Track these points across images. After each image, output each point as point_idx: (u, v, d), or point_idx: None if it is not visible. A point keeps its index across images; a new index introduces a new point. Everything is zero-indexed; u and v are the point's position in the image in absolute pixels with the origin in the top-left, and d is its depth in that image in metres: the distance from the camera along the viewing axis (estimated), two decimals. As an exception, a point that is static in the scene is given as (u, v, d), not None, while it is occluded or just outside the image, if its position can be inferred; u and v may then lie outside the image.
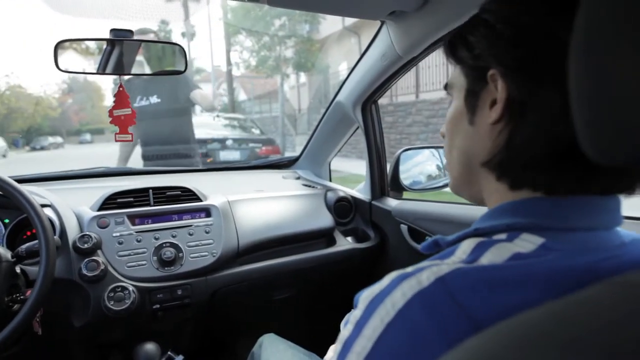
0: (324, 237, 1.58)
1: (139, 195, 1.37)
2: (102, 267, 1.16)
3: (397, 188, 1.60)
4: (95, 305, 1.15)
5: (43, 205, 1.19)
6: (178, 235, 1.30)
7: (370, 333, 0.39)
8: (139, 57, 1.45)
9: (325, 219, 1.58)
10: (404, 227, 1.47)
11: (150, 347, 1.26)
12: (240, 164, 2.08)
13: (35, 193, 1.25)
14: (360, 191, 1.74)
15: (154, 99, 2.74)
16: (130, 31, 1.20)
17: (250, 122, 9.90)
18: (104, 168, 1.79)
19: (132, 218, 1.30)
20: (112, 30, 1.19)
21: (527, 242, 0.42)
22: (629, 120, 0.30)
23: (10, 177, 1.04)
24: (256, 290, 1.43)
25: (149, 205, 1.35)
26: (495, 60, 0.48)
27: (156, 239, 1.28)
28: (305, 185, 1.78)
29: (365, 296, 0.42)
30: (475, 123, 0.52)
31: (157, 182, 1.45)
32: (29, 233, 1.27)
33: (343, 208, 1.66)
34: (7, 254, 1.00)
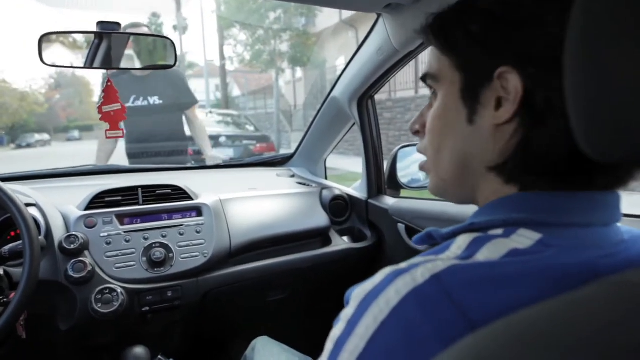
0: (319, 236, 1.55)
1: (127, 194, 1.33)
2: (89, 268, 1.13)
3: (394, 186, 1.57)
4: (82, 308, 1.11)
5: (28, 205, 1.15)
6: (168, 235, 1.27)
7: (364, 332, 0.37)
8: (129, 51, 1.41)
9: (320, 218, 1.55)
10: (401, 226, 1.44)
11: (139, 350, 1.23)
12: (234, 162, 2.04)
13: (20, 192, 1.21)
14: (356, 189, 1.71)
15: (155, 100, 2.66)
16: (118, 24, 1.16)
17: (245, 118, 9.88)
18: (91, 166, 1.75)
19: (121, 217, 1.26)
20: (99, 23, 1.15)
21: (524, 238, 0.41)
22: (627, 118, 0.29)
23: None
24: (249, 292, 1.40)
25: (138, 204, 1.32)
26: (512, 58, 0.44)
27: (145, 239, 1.24)
28: (300, 184, 1.74)
29: (357, 293, 0.41)
30: (476, 123, 0.48)
31: (146, 180, 1.42)
32: (13, 233, 1.23)
33: (339, 207, 1.63)
34: None
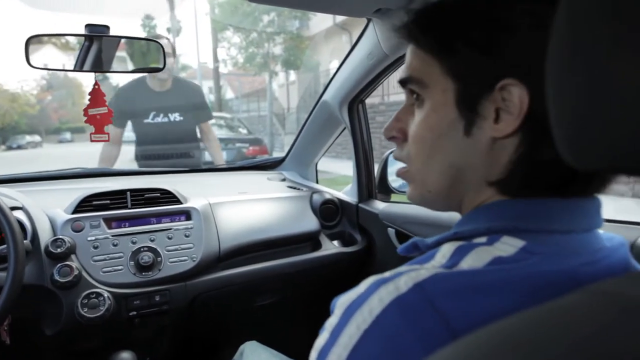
0: (309, 240, 1.54)
1: (116, 198, 1.32)
2: (76, 272, 1.11)
3: (385, 190, 1.57)
4: (68, 313, 1.10)
5: (14, 208, 1.14)
6: (156, 239, 1.26)
7: (347, 341, 0.37)
8: (122, 54, 1.40)
9: (310, 222, 1.54)
10: (391, 231, 1.43)
11: (126, 355, 1.22)
12: (224, 165, 2.03)
13: (6, 195, 1.19)
14: (347, 193, 1.70)
15: (176, 117, 2.63)
16: (107, 26, 1.15)
17: (238, 121, 9.87)
18: (80, 169, 1.73)
19: (109, 221, 1.25)
20: (88, 26, 1.14)
21: (507, 246, 0.40)
22: (609, 126, 0.29)
23: None
24: (238, 296, 1.39)
25: (126, 207, 1.30)
26: (518, 69, 0.42)
27: (133, 243, 1.23)
28: (291, 187, 1.73)
29: (341, 302, 0.40)
30: (474, 135, 0.46)
31: (135, 183, 1.40)
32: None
33: (329, 211, 1.62)
34: None
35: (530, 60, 0.41)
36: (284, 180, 1.84)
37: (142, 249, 1.22)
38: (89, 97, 1.14)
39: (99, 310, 1.10)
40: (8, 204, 1.00)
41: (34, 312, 1.14)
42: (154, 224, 1.29)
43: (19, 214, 1.15)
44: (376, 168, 1.60)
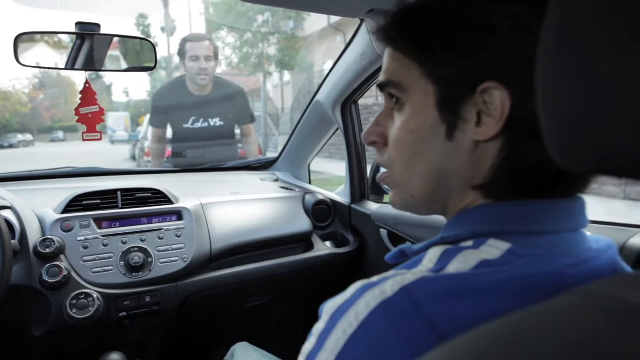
0: (302, 241, 1.54)
1: (106, 197, 1.31)
2: (65, 272, 1.10)
3: (377, 191, 1.57)
4: (57, 314, 1.09)
5: (2, 207, 1.13)
6: (147, 239, 1.25)
7: (333, 346, 0.37)
8: (115, 53, 1.39)
9: (302, 223, 1.54)
10: (383, 232, 1.43)
11: (116, 357, 1.21)
12: (217, 165, 2.02)
13: None
14: (339, 194, 1.70)
15: (217, 122, 2.56)
16: (98, 25, 1.14)
17: (232, 120, 9.78)
18: (71, 168, 1.71)
19: (99, 221, 1.24)
20: (78, 24, 1.14)
21: (494, 249, 0.40)
22: (598, 126, 0.29)
23: None
24: (229, 297, 1.38)
25: (117, 207, 1.29)
26: (499, 72, 0.42)
27: (124, 243, 1.22)
28: (283, 188, 1.73)
29: (328, 307, 0.40)
30: (456, 139, 0.45)
31: (126, 183, 1.39)
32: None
33: (321, 211, 1.62)
34: None
35: (512, 63, 0.41)
36: (276, 180, 1.83)
37: (132, 249, 1.21)
38: (80, 96, 1.13)
39: (88, 311, 1.09)
40: (-4, 203, 0.99)
41: (22, 313, 1.13)
42: (144, 224, 1.28)
43: (7, 214, 1.13)
44: (369, 169, 1.60)
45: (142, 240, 1.24)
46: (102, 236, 1.21)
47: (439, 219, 1.21)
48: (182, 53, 2.55)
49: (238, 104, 2.65)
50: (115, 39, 1.22)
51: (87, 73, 1.19)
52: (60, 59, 1.24)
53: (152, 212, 1.31)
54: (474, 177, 0.46)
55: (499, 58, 0.42)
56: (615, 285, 0.30)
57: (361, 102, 1.57)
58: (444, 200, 0.50)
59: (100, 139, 1.19)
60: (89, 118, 1.12)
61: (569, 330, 0.26)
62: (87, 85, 1.11)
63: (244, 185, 1.73)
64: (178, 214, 1.33)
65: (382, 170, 0.56)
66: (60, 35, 1.29)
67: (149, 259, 1.22)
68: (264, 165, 2.02)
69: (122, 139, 20.82)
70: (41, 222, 1.20)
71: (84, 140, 1.13)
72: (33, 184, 1.52)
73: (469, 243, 0.43)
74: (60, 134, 25.47)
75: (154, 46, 1.17)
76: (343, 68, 1.40)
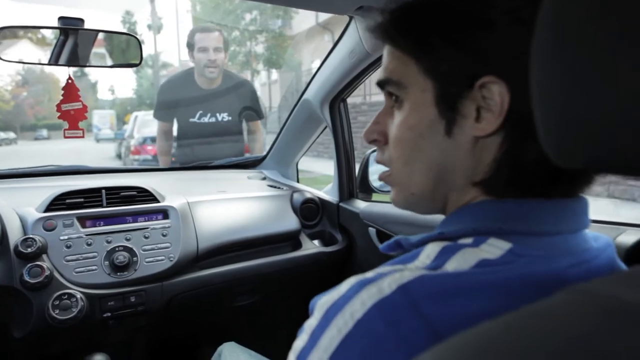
0: (290, 240, 1.53)
1: (90, 196, 1.28)
2: (47, 272, 1.08)
3: (366, 190, 1.56)
4: (38, 315, 1.06)
5: None
6: (132, 238, 1.23)
7: (327, 344, 0.36)
8: (100, 50, 1.37)
9: (290, 222, 1.53)
10: (372, 230, 1.43)
11: (99, 358, 1.19)
12: (204, 163, 2.00)
13: None
14: (328, 193, 1.69)
15: (224, 117, 2.49)
16: (81, 19, 1.12)
17: (219, 118, 9.73)
18: (54, 166, 1.68)
19: (82, 220, 1.21)
20: (61, 19, 1.11)
21: (494, 248, 0.39)
22: (594, 122, 0.29)
23: None
24: (216, 297, 1.36)
25: (101, 206, 1.27)
26: (496, 66, 0.42)
27: (108, 242, 1.20)
28: (271, 186, 1.72)
29: (322, 303, 0.39)
30: (455, 135, 0.45)
31: (111, 181, 1.37)
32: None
33: (309, 210, 1.61)
34: None
35: (510, 57, 0.41)
36: (264, 179, 1.82)
37: (117, 249, 1.19)
38: (62, 92, 1.10)
39: (71, 312, 1.07)
40: (-25, 202, 0.97)
41: (2, 314, 1.10)
42: (129, 222, 1.26)
43: None
44: (357, 167, 1.60)
45: (127, 240, 1.22)
46: (86, 235, 1.19)
47: (430, 217, 1.22)
48: (190, 45, 2.49)
49: (247, 99, 2.59)
50: (101, 36, 1.20)
51: (71, 69, 1.16)
52: (43, 55, 1.22)
53: (138, 210, 1.28)
54: (474, 173, 0.45)
55: (497, 52, 0.42)
56: (612, 283, 0.30)
57: (349, 100, 1.56)
58: (445, 198, 0.49)
59: (83, 137, 1.17)
60: (71, 115, 1.09)
61: (566, 328, 0.25)
62: (70, 81, 1.09)
63: (231, 183, 1.72)
64: (164, 213, 1.31)
65: (383, 168, 0.56)
66: (44, 32, 1.27)
67: (134, 258, 1.20)
68: (251, 164, 2.01)
69: (107, 137, 20.57)
70: (22, 221, 1.17)
71: (65, 137, 1.10)
72: (14, 182, 1.49)
73: (468, 240, 0.41)
74: (44, 132, 25.13)
75: (139, 42, 1.15)
76: (331, 66, 1.39)
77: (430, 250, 0.41)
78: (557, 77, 0.31)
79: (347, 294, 0.37)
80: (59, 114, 1.08)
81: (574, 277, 0.37)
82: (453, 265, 0.38)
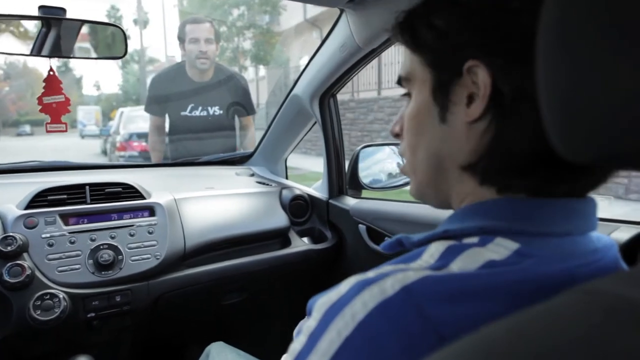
0: (279, 237, 1.51)
1: (74, 192, 1.25)
2: (28, 272, 1.04)
3: (355, 186, 1.55)
4: (19, 315, 1.03)
5: None
6: (117, 236, 1.19)
7: (326, 347, 0.35)
8: (85, 45, 1.33)
9: (279, 219, 1.51)
10: (362, 227, 1.41)
11: (83, 360, 1.15)
12: (191, 160, 1.97)
13: None
14: (317, 189, 1.67)
15: (216, 110, 2.46)
16: (63, 9, 1.08)
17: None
18: (37, 162, 1.63)
19: (65, 217, 1.18)
20: (41, 8, 1.07)
21: (501, 248, 0.38)
22: (605, 116, 0.29)
23: None
24: (204, 295, 1.34)
25: (85, 203, 1.23)
26: (478, 49, 0.42)
27: (92, 240, 1.16)
28: (260, 183, 1.69)
29: (321, 304, 0.38)
30: (448, 121, 0.46)
31: (95, 178, 1.33)
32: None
33: (299, 207, 1.59)
34: None
35: (491, 41, 0.42)
36: (252, 175, 1.79)
37: (101, 247, 1.16)
38: (43, 84, 1.07)
39: (53, 313, 1.04)
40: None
41: None
42: (115, 220, 1.23)
43: None
44: (347, 164, 1.58)
45: (112, 237, 1.19)
46: (69, 233, 1.15)
47: (421, 213, 1.21)
48: (181, 36, 2.46)
49: (239, 93, 2.56)
50: (85, 30, 1.17)
51: (53, 61, 1.13)
52: (25, 47, 1.18)
53: (123, 207, 1.25)
54: (467, 158, 0.45)
55: (478, 36, 0.43)
56: (616, 282, 0.29)
57: (337, 97, 1.54)
58: (446, 187, 0.50)
59: (66, 130, 1.13)
60: (53, 108, 1.06)
61: (570, 329, 0.25)
62: (52, 73, 1.05)
63: (219, 180, 1.69)
64: (150, 210, 1.28)
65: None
66: (27, 25, 1.22)
67: (119, 257, 1.17)
68: (239, 160, 1.98)
69: (92, 133, 20.29)
70: (2, 218, 1.13)
71: (47, 131, 1.07)
72: None
73: (474, 240, 0.40)
74: (27, 128, 24.78)
75: (124, 33, 1.11)
76: (322, 60, 1.37)
77: (435, 250, 0.41)
78: (567, 63, 0.30)
79: (348, 295, 0.36)
80: (40, 107, 1.04)
81: (582, 278, 0.36)
82: (458, 265, 0.37)
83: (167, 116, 2.51)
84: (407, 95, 0.53)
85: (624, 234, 0.82)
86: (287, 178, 1.87)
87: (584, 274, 0.37)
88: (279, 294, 1.60)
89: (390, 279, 0.35)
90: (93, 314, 1.12)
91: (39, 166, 1.61)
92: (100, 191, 1.28)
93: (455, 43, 0.44)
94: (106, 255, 1.14)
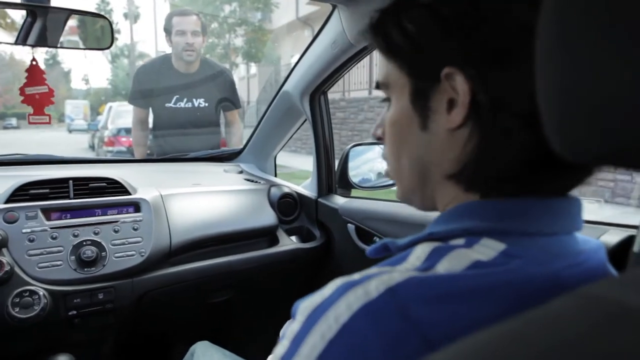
0: (266, 235, 1.49)
1: (56, 187, 1.21)
2: (7, 268, 1.02)
3: (345, 185, 1.53)
4: None
5: None
6: (101, 232, 1.17)
7: (309, 351, 0.34)
8: (74, 38, 1.30)
9: (267, 217, 1.49)
10: (351, 227, 1.40)
11: (64, 359, 1.12)
12: (178, 155, 1.95)
13: None
14: (306, 188, 1.66)
15: (201, 103, 2.43)
16: (48, -3, 1.05)
17: (196, 111, 9.63)
18: (20, 155, 1.59)
19: (47, 212, 1.15)
20: (25, -5, 1.04)
21: (487, 249, 0.38)
22: (607, 114, 0.28)
23: None
24: (190, 294, 1.32)
25: (68, 197, 1.21)
26: (454, 55, 0.41)
27: (75, 236, 1.14)
28: (248, 180, 1.67)
29: (304, 306, 0.37)
30: (430, 128, 0.45)
31: (79, 172, 1.30)
32: None
33: (287, 205, 1.57)
34: None
35: (467, 48, 0.40)
36: (241, 172, 1.77)
37: (84, 243, 1.13)
38: (25, 74, 1.04)
39: (32, 310, 1.01)
40: None
41: None
42: (98, 215, 1.20)
43: None
44: (336, 163, 1.57)
45: (96, 233, 1.16)
46: (51, 228, 1.13)
47: (410, 214, 1.20)
48: (168, 28, 2.45)
49: (225, 87, 2.55)
50: (74, 23, 1.14)
51: (37, 52, 1.10)
52: (10, 37, 1.15)
53: (107, 203, 1.23)
54: (451, 166, 0.44)
55: (454, 43, 0.41)
56: (614, 287, 0.29)
57: (328, 96, 1.52)
58: (432, 194, 0.49)
59: (49, 122, 1.10)
60: (36, 99, 1.03)
61: (565, 333, 0.24)
62: (34, 63, 1.02)
63: (206, 176, 1.67)
64: (135, 206, 1.25)
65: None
66: (13, 15, 1.19)
67: (103, 253, 1.14)
68: (228, 157, 1.95)
69: (80, 127, 20.06)
70: None
71: (29, 123, 1.04)
72: None
73: (460, 241, 0.40)
74: (14, 121, 24.47)
75: (110, 23, 1.09)
76: (313, 57, 1.36)
77: (420, 252, 0.40)
78: (566, 61, 0.30)
79: (332, 297, 0.35)
80: (22, 97, 1.01)
81: (568, 280, 0.37)
82: (445, 266, 0.37)
83: (150, 109, 2.50)
84: (387, 100, 0.52)
85: (613, 237, 0.82)
86: (276, 176, 1.85)
87: (570, 275, 0.37)
88: (266, 293, 1.58)
89: (374, 281, 0.35)
90: (74, 312, 1.09)
91: (21, 159, 1.57)
92: (84, 186, 1.25)
93: (429, 50, 0.43)
94: (89, 252, 1.12)
